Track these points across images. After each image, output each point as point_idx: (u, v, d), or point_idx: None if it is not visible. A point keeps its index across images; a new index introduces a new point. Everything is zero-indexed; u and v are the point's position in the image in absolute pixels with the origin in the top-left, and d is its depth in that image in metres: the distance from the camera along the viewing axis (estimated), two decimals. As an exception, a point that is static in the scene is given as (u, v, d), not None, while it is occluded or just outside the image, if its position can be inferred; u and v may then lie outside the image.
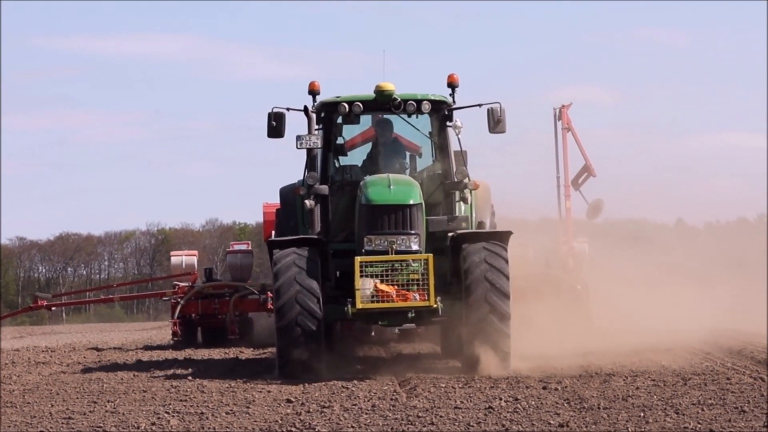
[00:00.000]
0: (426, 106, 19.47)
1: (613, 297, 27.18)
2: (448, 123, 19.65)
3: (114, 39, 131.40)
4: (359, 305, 17.72)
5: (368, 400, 15.08)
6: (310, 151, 19.42)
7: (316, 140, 19.18)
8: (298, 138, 19.10)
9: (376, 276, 17.85)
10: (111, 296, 37.47)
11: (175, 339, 28.36)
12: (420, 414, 13.68)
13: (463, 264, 18.16)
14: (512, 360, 18.12)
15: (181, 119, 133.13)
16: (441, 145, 19.85)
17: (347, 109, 19.41)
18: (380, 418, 13.44)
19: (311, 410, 14.27)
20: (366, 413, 13.90)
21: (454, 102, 19.64)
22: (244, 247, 30.73)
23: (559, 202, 30.60)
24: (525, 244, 26.25)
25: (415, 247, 18.29)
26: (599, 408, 13.89)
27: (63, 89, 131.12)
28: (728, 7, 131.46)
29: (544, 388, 15.94)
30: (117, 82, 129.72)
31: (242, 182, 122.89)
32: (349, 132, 20.41)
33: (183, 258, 30.48)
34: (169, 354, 25.18)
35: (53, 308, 33.49)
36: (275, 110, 19.33)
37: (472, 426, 12.74)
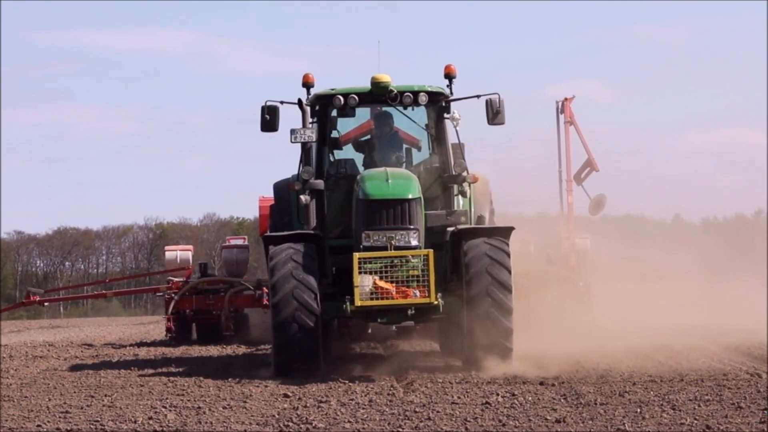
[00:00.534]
0: (423, 98, 19.06)
1: (614, 294, 27.10)
2: (445, 115, 19.26)
3: (112, 34, 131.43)
4: (358, 302, 17.35)
5: (365, 395, 15.06)
6: (304, 145, 19.14)
7: (311, 134, 18.85)
8: (293, 132, 18.78)
9: (375, 272, 17.48)
10: (105, 291, 37.32)
11: (169, 335, 28.11)
12: (417, 409, 13.66)
13: (464, 258, 17.82)
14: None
15: (179, 114, 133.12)
16: (438, 138, 19.42)
17: (342, 102, 19.05)
18: (377, 413, 13.42)
19: (308, 405, 14.26)
20: (363, 408, 13.89)
21: (451, 93, 19.23)
22: (240, 241, 30.52)
23: (561, 198, 29.87)
24: (526, 240, 26.05)
25: (414, 243, 17.91)
26: (596, 404, 13.87)
27: (61, 83, 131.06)
28: (727, 3, 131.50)
29: (541, 383, 15.91)
30: (115, 76, 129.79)
31: (240, 177, 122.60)
32: (344, 125, 20.13)
33: (178, 253, 30.06)
34: (166, 349, 25.18)
35: (45, 303, 33.36)
36: (269, 103, 19.05)
37: (469, 421, 12.73)
